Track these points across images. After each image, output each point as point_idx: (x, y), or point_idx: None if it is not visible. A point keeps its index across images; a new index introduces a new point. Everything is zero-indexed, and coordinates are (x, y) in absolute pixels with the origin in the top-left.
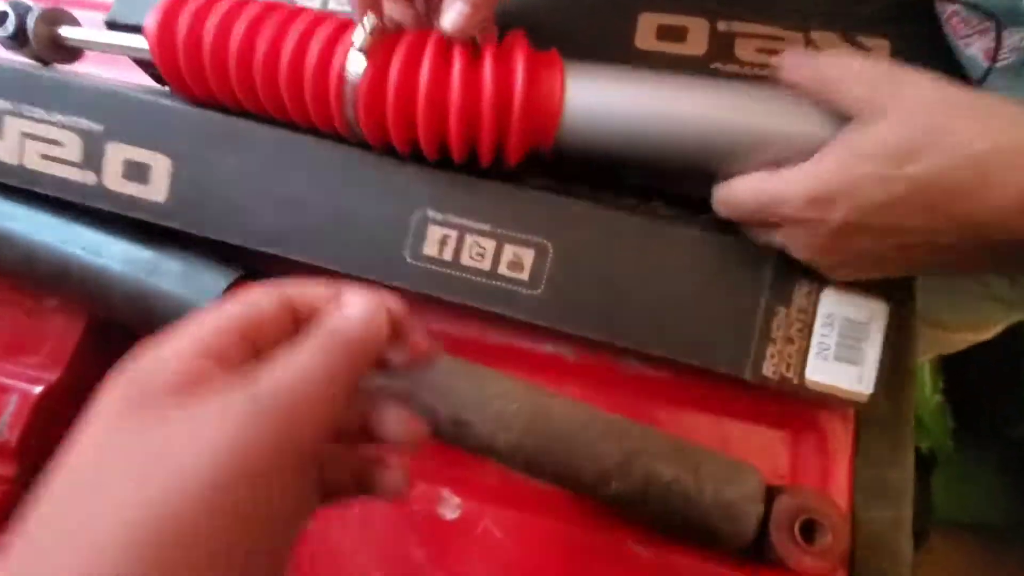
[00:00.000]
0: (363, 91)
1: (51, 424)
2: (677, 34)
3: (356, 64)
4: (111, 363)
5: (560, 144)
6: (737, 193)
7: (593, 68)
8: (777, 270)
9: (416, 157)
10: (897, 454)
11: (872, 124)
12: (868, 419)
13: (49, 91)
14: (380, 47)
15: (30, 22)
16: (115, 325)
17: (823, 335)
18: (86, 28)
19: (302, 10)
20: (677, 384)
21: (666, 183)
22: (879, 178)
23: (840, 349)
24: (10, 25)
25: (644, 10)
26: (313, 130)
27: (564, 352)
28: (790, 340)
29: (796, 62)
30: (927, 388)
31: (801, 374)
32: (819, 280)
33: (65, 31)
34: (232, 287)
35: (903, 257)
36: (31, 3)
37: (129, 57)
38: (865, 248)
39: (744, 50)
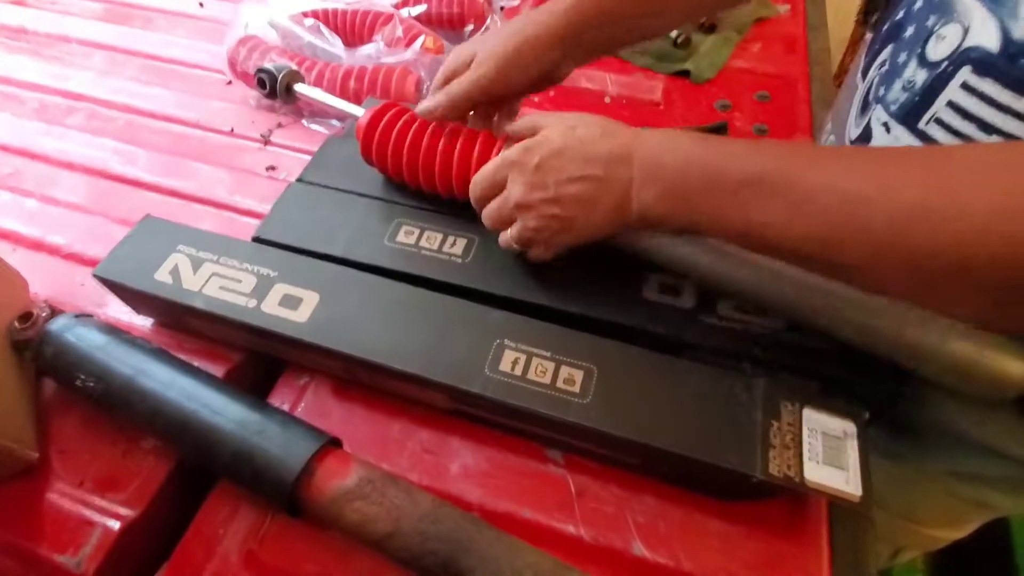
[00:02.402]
0: None
1: (125, 558)
2: (674, 291)
3: None
4: (187, 505)
5: None
6: (484, 168)
7: None
8: (765, 392)
9: (498, 303)
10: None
11: (555, 121)
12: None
13: (244, 249)
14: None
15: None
16: (202, 473)
17: (811, 444)
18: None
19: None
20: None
21: None
22: (557, 135)
23: (827, 456)
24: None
25: (651, 271)
26: (423, 283)
27: (584, 535)
28: (787, 447)
29: (519, 121)
30: None
31: (801, 475)
32: (799, 401)
33: (298, 87)
34: (319, 451)
35: (569, 201)
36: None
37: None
38: (548, 184)
39: (723, 307)
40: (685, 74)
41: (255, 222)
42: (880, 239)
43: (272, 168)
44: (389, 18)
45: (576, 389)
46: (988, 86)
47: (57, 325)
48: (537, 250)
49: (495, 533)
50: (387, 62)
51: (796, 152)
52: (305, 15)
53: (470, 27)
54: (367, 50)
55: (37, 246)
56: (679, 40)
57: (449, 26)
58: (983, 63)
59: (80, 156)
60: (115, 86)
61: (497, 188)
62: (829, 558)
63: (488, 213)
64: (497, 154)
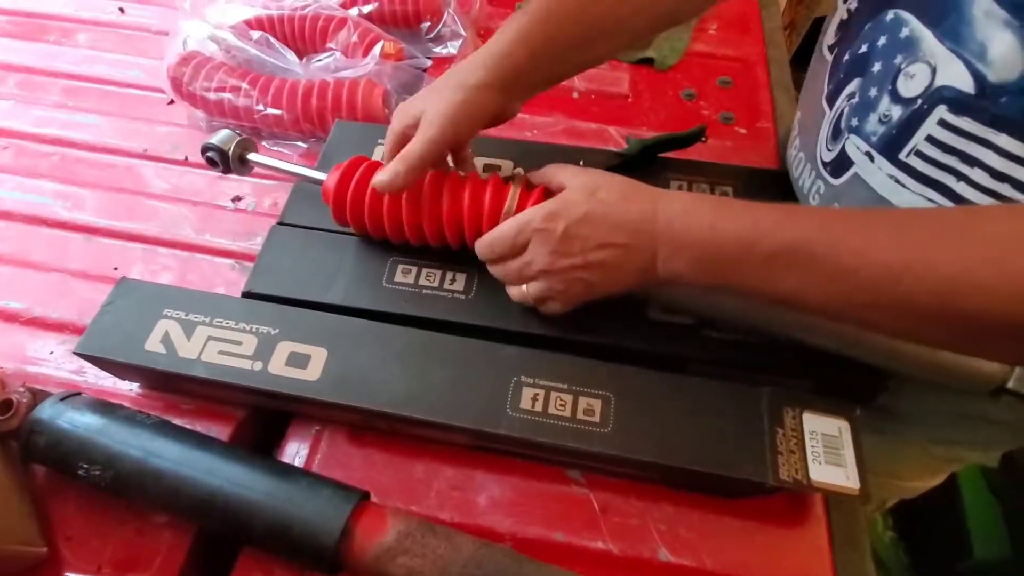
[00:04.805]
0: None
1: None
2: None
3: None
4: (215, 573)
5: None
6: (498, 231)
7: None
8: (769, 401)
9: (507, 337)
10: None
11: (574, 182)
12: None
13: (236, 306)
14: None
15: (232, 151)
16: (224, 542)
17: (812, 447)
18: (267, 157)
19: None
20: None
21: None
22: (580, 201)
23: (827, 456)
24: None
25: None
26: (428, 324)
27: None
28: (792, 451)
29: (537, 173)
30: (879, 526)
31: (807, 476)
32: (799, 406)
33: (252, 156)
34: (355, 509)
35: (597, 267)
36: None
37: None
38: (575, 251)
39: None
40: (649, 62)
41: (230, 263)
42: (920, 308)
43: (238, 198)
44: (342, 22)
45: (596, 419)
46: (966, 123)
47: (46, 412)
48: (553, 306)
49: (535, 566)
50: (347, 75)
51: (826, 222)
52: (250, 26)
53: (426, 24)
54: (323, 60)
55: None
56: None
57: (404, 24)
58: (958, 103)
59: (18, 204)
60: (41, 116)
61: (517, 250)
62: (829, 538)
63: (506, 273)
64: (492, 196)
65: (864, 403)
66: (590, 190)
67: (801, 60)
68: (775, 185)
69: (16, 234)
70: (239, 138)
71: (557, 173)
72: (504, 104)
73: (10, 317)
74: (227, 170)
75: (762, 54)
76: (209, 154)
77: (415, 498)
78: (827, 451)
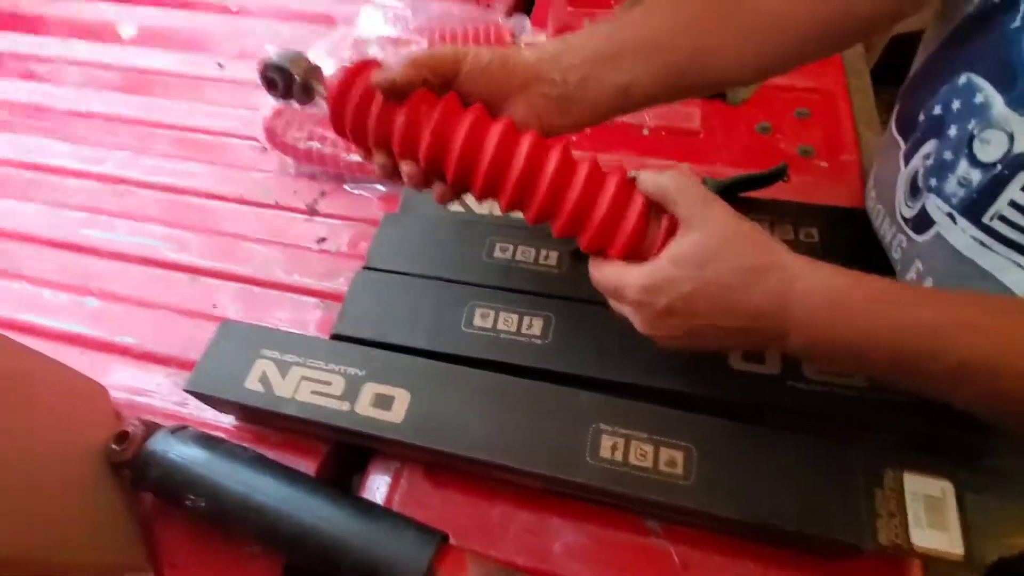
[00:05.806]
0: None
1: None
2: (759, 358)
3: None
4: None
5: None
6: (602, 273)
7: None
8: (864, 459)
9: (584, 383)
10: None
11: (686, 236)
12: None
13: (326, 348)
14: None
15: (297, 81)
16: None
17: (914, 509)
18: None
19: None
20: None
21: None
22: (686, 277)
23: (930, 519)
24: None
25: None
26: (507, 368)
27: None
28: (892, 514)
29: (647, 178)
30: None
31: (909, 541)
32: (899, 466)
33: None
34: (437, 551)
35: (703, 338)
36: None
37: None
38: (677, 325)
39: (808, 370)
40: (721, 96)
41: (315, 301)
42: None
43: (323, 240)
44: None
45: (679, 471)
46: None
47: (158, 445)
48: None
49: None
50: None
51: (1014, 331)
52: None
53: None
54: None
55: (107, 347)
56: None
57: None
58: None
59: (130, 246)
60: (152, 165)
61: (617, 300)
62: None
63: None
64: (613, 204)
65: (966, 464)
66: (701, 262)
67: (876, 81)
68: (863, 227)
69: (129, 274)
70: (308, 65)
71: (677, 200)
72: (546, 82)
73: (124, 351)
74: (287, 96)
75: (843, 83)
76: (271, 75)
77: (491, 541)
78: (929, 514)
